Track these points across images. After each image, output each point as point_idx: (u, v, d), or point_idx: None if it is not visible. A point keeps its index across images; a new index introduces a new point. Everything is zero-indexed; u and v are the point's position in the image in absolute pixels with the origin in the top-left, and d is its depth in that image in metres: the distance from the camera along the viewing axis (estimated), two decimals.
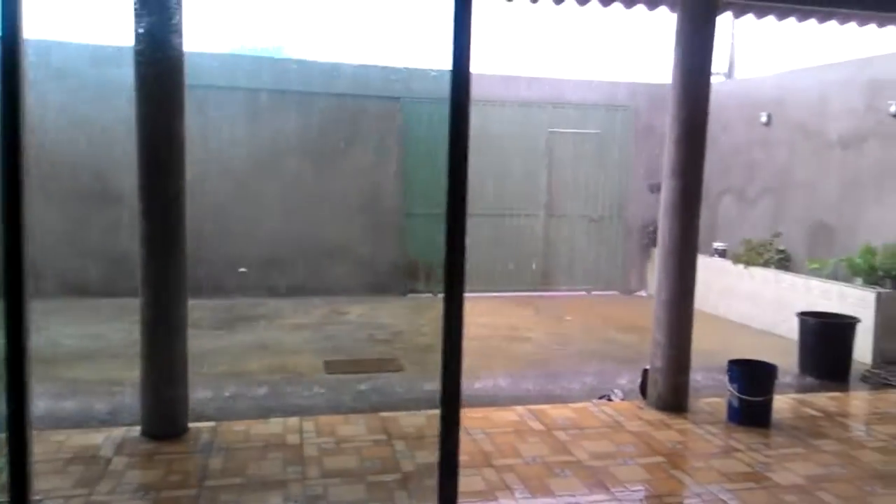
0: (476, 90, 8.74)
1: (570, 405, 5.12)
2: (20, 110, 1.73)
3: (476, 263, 10.37)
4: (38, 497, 3.44)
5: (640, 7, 5.10)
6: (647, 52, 11.41)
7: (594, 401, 5.28)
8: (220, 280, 8.94)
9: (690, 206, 5.07)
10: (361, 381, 5.80)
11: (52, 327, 7.28)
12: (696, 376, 5.51)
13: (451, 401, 1.91)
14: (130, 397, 4.84)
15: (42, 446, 4.04)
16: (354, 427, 4.53)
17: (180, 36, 4.23)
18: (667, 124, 5.12)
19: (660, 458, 4.15)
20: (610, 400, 5.32)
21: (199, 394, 5.00)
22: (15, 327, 1.84)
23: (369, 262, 10.04)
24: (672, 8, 5.03)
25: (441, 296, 9.26)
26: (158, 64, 4.19)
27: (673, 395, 5.02)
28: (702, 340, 5.41)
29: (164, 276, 4.29)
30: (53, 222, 8.81)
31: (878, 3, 5.21)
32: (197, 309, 7.75)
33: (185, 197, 4.35)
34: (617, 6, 5.06)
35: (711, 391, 5.52)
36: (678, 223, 5.06)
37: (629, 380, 5.82)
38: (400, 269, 10.17)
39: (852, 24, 5.56)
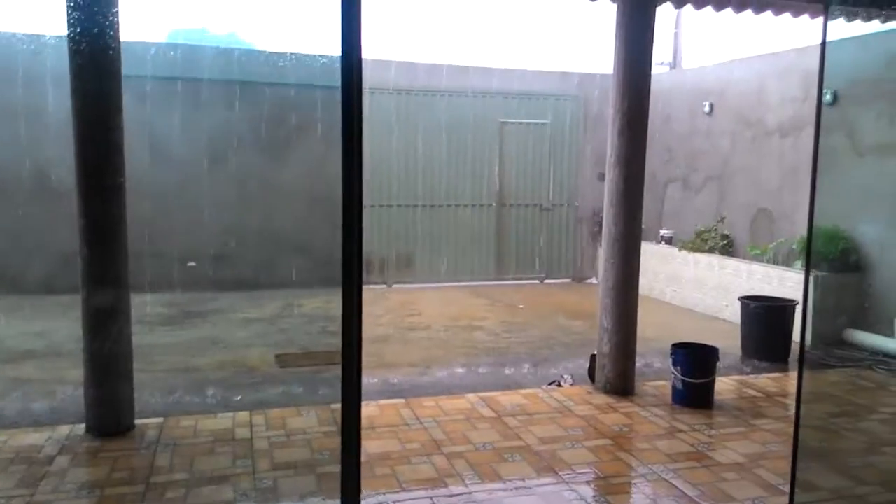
0: (427, 80, 8.79)
1: (521, 391, 5.20)
2: None
3: (429, 254, 10.41)
4: None
5: None
6: (596, 42, 11.56)
7: (544, 387, 5.36)
8: (169, 275, 8.78)
9: (634, 194, 5.18)
10: (313, 374, 5.79)
11: None
12: (643, 360, 5.65)
13: (350, 393, 1.92)
14: (74, 395, 4.74)
15: None
16: (305, 419, 4.53)
17: (117, 24, 4.13)
18: (609, 115, 5.22)
19: (606, 441, 4.25)
20: (560, 385, 5.42)
21: (146, 390, 4.92)
22: None
23: (324, 254, 9.97)
24: None
25: (395, 286, 9.29)
26: (93, 54, 4.08)
27: (620, 380, 5.14)
28: (648, 326, 5.55)
29: (105, 271, 4.20)
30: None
31: None
32: (145, 304, 7.63)
33: (125, 190, 4.27)
34: None
35: (657, 375, 5.67)
36: (622, 211, 5.17)
37: (579, 365, 5.93)
38: None
39: (787, 15, 5.74)
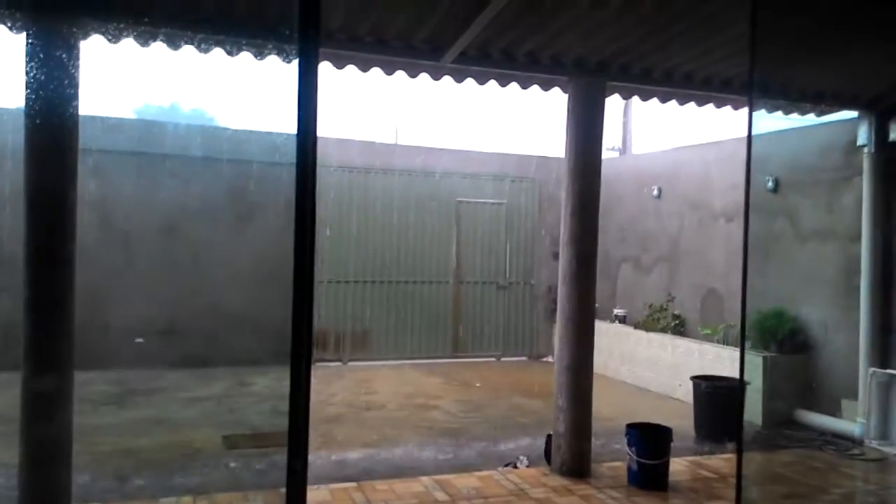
0: (385, 159, 8.94)
1: (476, 474, 5.11)
2: None
3: (385, 331, 10.34)
4: None
5: (535, 87, 5.41)
6: (551, 126, 11.97)
7: (500, 468, 5.28)
8: (115, 351, 8.49)
9: (587, 273, 5.29)
10: (262, 457, 5.60)
11: None
12: (599, 440, 5.63)
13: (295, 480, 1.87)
14: (6, 479, 4.47)
15: None
16: None
17: (76, 99, 4.14)
18: (562, 197, 5.38)
19: None
20: (516, 467, 5.34)
21: (83, 475, 4.68)
22: None
23: (276, 330, 9.79)
24: (564, 89, 5.36)
25: (351, 363, 9.16)
26: (51, 128, 4.08)
27: (576, 461, 5.10)
28: (604, 405, 5.56)
29: (49, 347, 4.06)
30: None
31: (746, 91, 5.74)
32: (88, 382, 7.34)
33: (74, 263, 4.18)
34: (513, 86, 5.35)
35: (613, 455, 5.64)
36: (576, 290, 5.26)
37: (535, 446, 5.87)
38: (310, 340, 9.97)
39: (727, 108, 6.07)
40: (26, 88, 4.02)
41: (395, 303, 10.41)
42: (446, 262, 10.75)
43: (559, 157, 10.95)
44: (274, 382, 8.48)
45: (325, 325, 10.00)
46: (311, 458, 5.63)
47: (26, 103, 4.03)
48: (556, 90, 5.46)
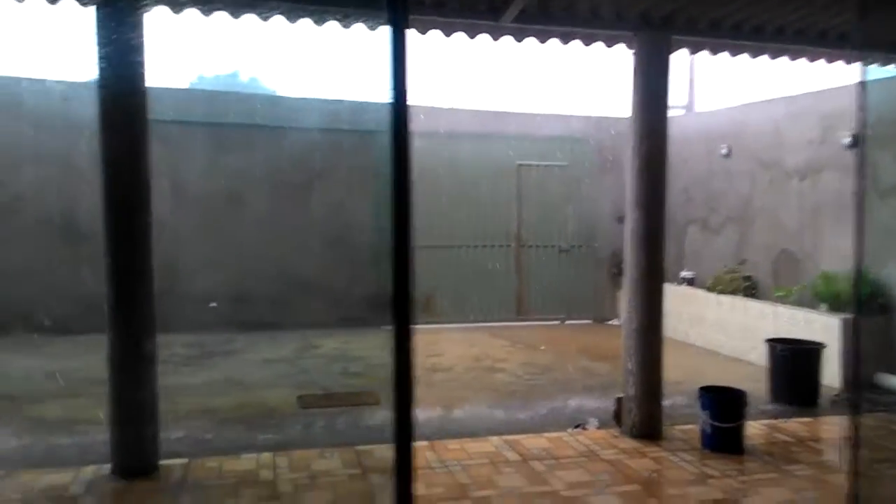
0: (447, 123, 8.88)
1: (545, 435, 5.13)
2: None
3: (450, 295, 10.40)
4: None
5: (599, 44, 5.26)
6: (613, 85, 11.70)
7: (569, 430, 5.29)
8: (190, 315, 8.81)
9: (654, 236, 5.18)
10: (335, 415, 5.75)
11: (17, 365, 7.12)
12: (669, 403, 5.56)
13: (403, 436, 1.90)
14: (100, 435, 4.73)
15: (10, 486, 3.94)
16: (329, 462, 4.48)
17: (143, 71, 4.23)
18: (627, 158, 5.26)
19: (635, 487, 4.17)
20: (585, 429, 5.34)
21: (169, 431, 4.90)
22: None
23: (342, 295, 9.99)
24: (629, 45, 5.19)
25: (416, 327, 9.17)
26: (121, 99, 4.18)
27: (647, 423, 5.06)
28: (673, 368, 5.48)
29: (131, 313, 4.23)
30: (18, 260, 8.65)
31: (822, 41, 5.45)
32: (167, 345, 7.63)
33: (151, 233, 4.32)
34: (575, 44, 5.21)
35: (685, 418, 5.57)
36: (644, 253, 5.16)
37: (603, 408, 5.85)
38: (373, 302, 10.14)
39: (803, 60, 5.78)
40: (97, 61, 4.12)
41: (459, 267, 10.45)
42: (508, 226, 10.70)
43: (622, 118, 10.72)
44: (341, 345, 8.67)
45: (389, 290, 10.12)
46: (382, 417, 5.77)
47: (99, 75, 4.13)
48: (621, 47, 5.30)
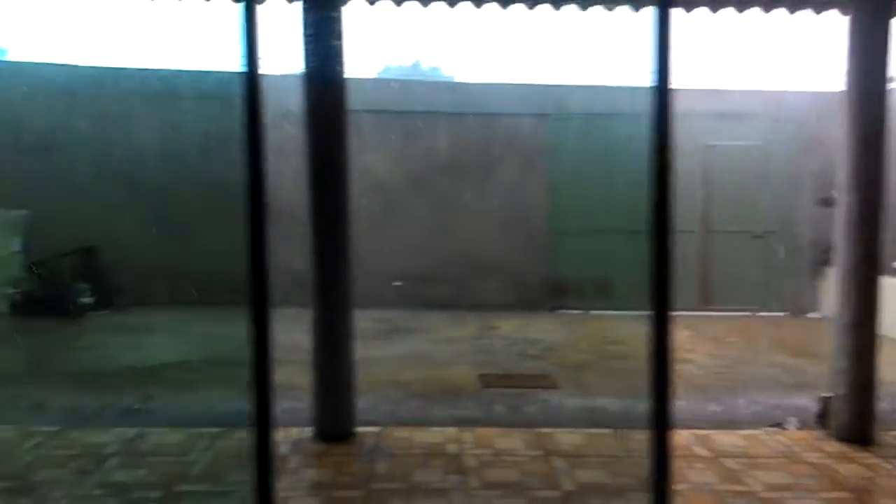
0: (627, 102, 8.54)
1: (738, 432, 4.83)
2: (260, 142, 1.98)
3: (625, 281, 10.10)
4: (230, 488, 3.76)
5: (807, 12, 4.80)
6: (814, 58, 10.66)
7: (765, 428, 4.95)
8: (376, 293, 9.32)
9: (872, 221, 4.66)
10: (516, 396, 5.82)
11: (234, 334, 7.92)
12: (884, 407, 5.03)
13: (660, 424, 1.89)
14: (303, 401, 5.15)
15: (228, 442, 4.41)
16: (512, 441, 4.55)
17: (343, 63, 4.49)
18: (841, 135, 4.76)
19: (845, 494, 3.81)
20: (783, 428, 4.97)
21: (362, 400, 5.22)
22: (259, 333, 2.07)
23: (518, 277, 10.07)
24: (843, 10, 4.68)
25: (593, 312, 9.16)
26: (325, 90, 4.47)
27: (857, 427, 4.60)
28: (886, 367, 4.93)
29: (333, 287, 4.55)
30: (228, 237, 9.60)
31: None
32: (358, 319, 8.15)
33: (349, 214, 4.60)
34: (778, 12, 4.79)
35: None
36: (859, 240, 4.67)
37: (801, 407, 5.41)
38: (549, 286, 10.12)
39: None
40: (304, 54, 4.44)
41: (637, 251, 10.09)
42: (694, 210, 10.16)
43: (824, 92, 9.78)
44: (519, 327, 8.75)
45: (564, 273, 10.05)
46: (561, 400, 5.76)
47: (305, 67, 4.44)
48: (832, 13, 4.81)
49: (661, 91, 1.73)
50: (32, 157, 9.56)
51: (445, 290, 9.87)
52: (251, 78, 2.12)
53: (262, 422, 2.13)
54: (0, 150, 9.47)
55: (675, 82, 1.70)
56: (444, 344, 7.81)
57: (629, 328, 8.83)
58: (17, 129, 9.48)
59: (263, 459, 2.17)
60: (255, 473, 2.27)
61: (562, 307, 10.03)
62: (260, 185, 2.06)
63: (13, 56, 10.48)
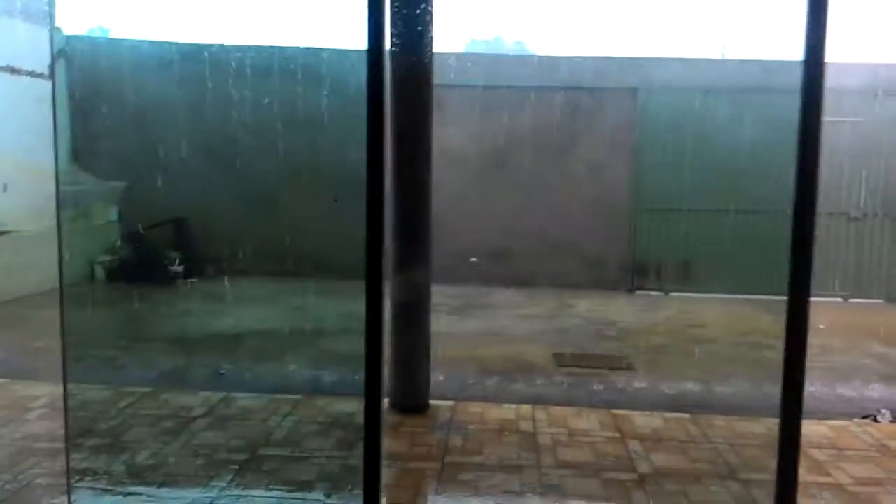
0: (710, 77, 8.15)
1: (827, 423, 4.63)
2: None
3: (710, 262, 9.77)
4: (308, 454, 3.90)
5: None
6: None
7: (856, 420, 4.73)
8: (453, 268, 9.36)
9: None
10: (591, 377, 5.76)
11: (309, 305, 8.15)
12: None
13: (790, 413, 1.85)
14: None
15: (309, 409, 4.55)
16: (586, 421, 4.51)
17: (430, 37, 4.48)
18: None
19: None
20: (876, 420, 4.74)
21: (437, 373, 5.28)
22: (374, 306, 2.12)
23: (597, 256, 9.90)
24: None
25: (672, 294, 8.90)
26: (411, 66, 4.47)
27: None
28: None
29: (413, 261, 4.60)
30: (315, 214, 9.80)
31: None
32: (435, 294, 8.23)
33: (430, 189, 4.62)
34: None
35: None
36: None
37: None
38: (628, 266, 9.92)
39: None
40: (391, 27, 4.44)
41: (721, 232, 9.75)
42: (784, 191, 9.68)
43: None
44: (595, 306, 8.64)
45: (646, 254, 9.82)
46: (638, 383, 5.65)
47: (392, 42, 4.45)
48: None
49: (813, 63, 1.66)
50: (131, 132, 10.02)
51: (522, 267, 9.81)
52: (375, 51, 2.14)
53: (372, 393, 2.19)
54: (101, 124, 9.97)
55: (828, 54, 1.63)
56: (520, 321, 7.79)
57: (710, 311, 8.57)
58: (119, 104, 9.94)
59: (373, 430, 2.24)
60: (366, 443, 2.34)
61: (641, 288, 9.81)
62: (379, 160, 2.13)
63: (115, 34, 10.93)
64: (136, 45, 10.26)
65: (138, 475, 3.57)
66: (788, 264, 1.82)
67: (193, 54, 9.99)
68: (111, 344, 6.38)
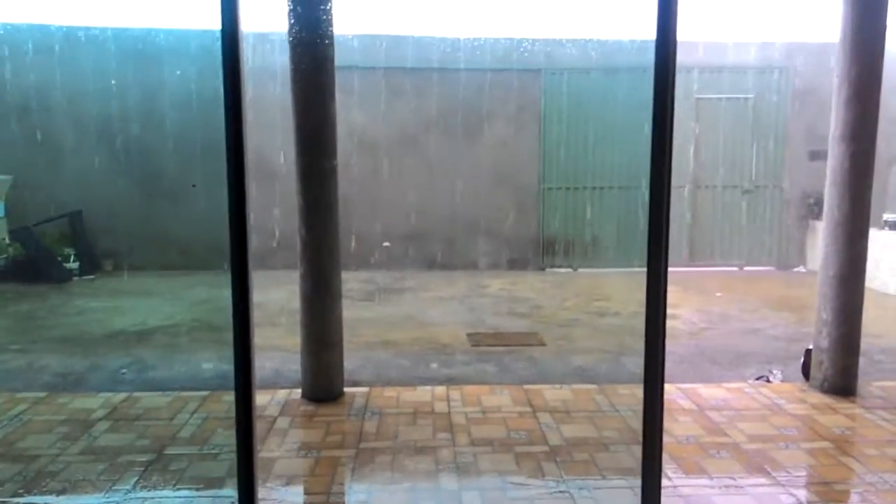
0: (603, 56, 8.34)
1: (724, 385, 4.90)
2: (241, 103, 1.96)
3: (616, 237, 10.12)
4: (217, 451, 3.79)
5: None
6: (804, 7, 10.54)
7: (750, 381, 5.02)
8: (365, 253, 9.30)
9: (862, 173, 4.64)
10: (504, 354, 5.86)
11: (215, 298, 7.90)
12: (866, 358, 5.10)
13: (653, 378, 1.94)
14: (290, 362, 5.17)
15: (217, 405, 4.42)
16: (499, 398, 4.58)
17: (330, 19, 4.38)
18: (834, 84, 4.71)
19: (826, 444, 3.88)
20: (768, 381, 5.04)
21: (350, 361, 5.24)
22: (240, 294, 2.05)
23: (508, 236, 10.06)
24: None
25: (580, 271, 9.19)
26: (311, 48, 4.37)
27: (840, 378, 4.66)
28: (870, 320, 4.99)
29: (321, 248, 4.51)
30: (207, 200, 9.51)
31: None
32: (345, 281, 8.13)
33: (336, 174, 4.54)
34: None
35: (882, 374, 5.09)
36: (848, 192, 4.66)
37: (786, 360, 5.48)
38: (538, 244, 10.12)
39: None
40: (289, 9, 4.33)
41: (627, 208, 10.11)
42: (682, 165, 10.13)
43: (815, 43, 9.67)
44: (507, 285, 8.77)
45: (553, 231, 10.04)
46: (551, 359, 5.77)
47: (291, 23, 4.34)
48: None
49: (665, 44, 1.71)
50: (11, 121, 9.38)
51: (435, 249, 9.86)
52: (230, 35, 2.04)
53: (245, 383, 2.12)
54: None
55: (679, 34, 1.68)
56: (433, 304, 7.82)
57: (614, 284, 8.88)
58: None
59: (246, 420, 2.17)
60: (238, 434, 2.27)
61: (551, 265, 10.05)
62: (240, 146, 2.03)
63: None
64: (9, 30, 9.58)
65: (36, 484, 3.37)
66: (647, 235, 1.89)
67: (72, 38, 9.42)
68: (1, 348, 5.99)
